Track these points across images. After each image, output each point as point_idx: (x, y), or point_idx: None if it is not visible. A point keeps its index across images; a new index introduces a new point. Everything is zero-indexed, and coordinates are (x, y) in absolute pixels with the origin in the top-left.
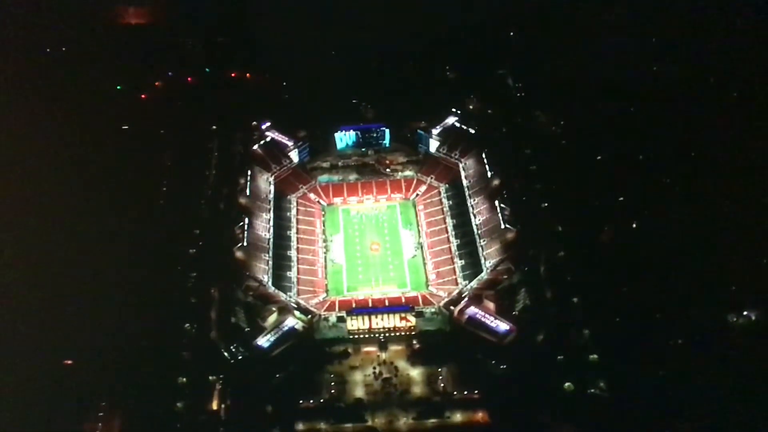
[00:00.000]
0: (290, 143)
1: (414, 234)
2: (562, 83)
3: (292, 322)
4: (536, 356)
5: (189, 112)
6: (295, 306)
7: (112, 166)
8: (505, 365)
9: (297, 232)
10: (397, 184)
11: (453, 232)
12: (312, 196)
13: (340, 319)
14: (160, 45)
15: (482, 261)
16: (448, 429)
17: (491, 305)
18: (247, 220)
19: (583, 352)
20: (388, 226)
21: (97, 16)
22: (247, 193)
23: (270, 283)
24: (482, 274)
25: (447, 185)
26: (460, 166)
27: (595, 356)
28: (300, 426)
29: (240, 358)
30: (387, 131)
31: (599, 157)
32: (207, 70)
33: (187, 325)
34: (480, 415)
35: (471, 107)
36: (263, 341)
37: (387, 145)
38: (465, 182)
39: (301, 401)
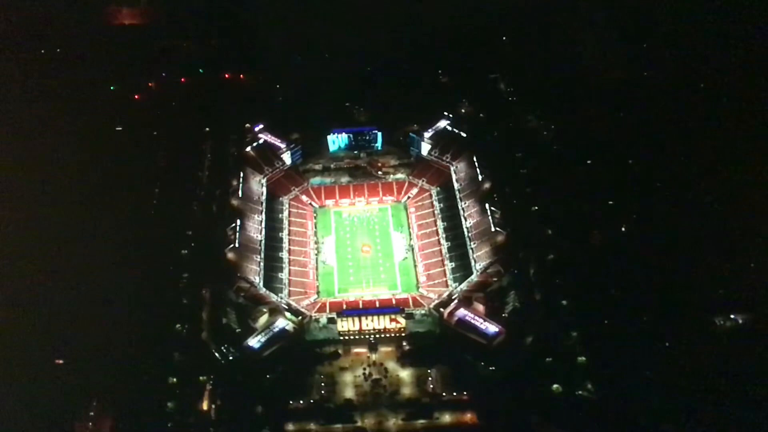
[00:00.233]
0: (283, 145)
1: (405, 236)
2: (553, 88)
3: (282, 323)
4: (525, 358)
5: (182, 113)
6: (286, 307)
7: (104, 166)
8: (494, 367)
9: (289, 234)
10: (389, 187)
11: (444, 235)
12: (304, 198)
13: (331, 321)
14: (153, 46)
15: (472, 263)
16: (436, 430)
17: (481, 307)
18: (239, 222)
19: (572, 354)
20: (379, 228)
21: (90, 17)
22: (240, 195)
23: (261, 285)
24: (472, 277)
25: (438, 188)
26: (452, 169)
27: (583, 358)
28: (290, 426)
29: (231, 358)
30: (379, 134)
31: (589, 161)
32: (201, 71)
33: (179, 325)
34: (469, 416)
35: (463, 111)
36: (254, 342)
37: (379, 147)
38: (456, 185)
39: (291, 402)
